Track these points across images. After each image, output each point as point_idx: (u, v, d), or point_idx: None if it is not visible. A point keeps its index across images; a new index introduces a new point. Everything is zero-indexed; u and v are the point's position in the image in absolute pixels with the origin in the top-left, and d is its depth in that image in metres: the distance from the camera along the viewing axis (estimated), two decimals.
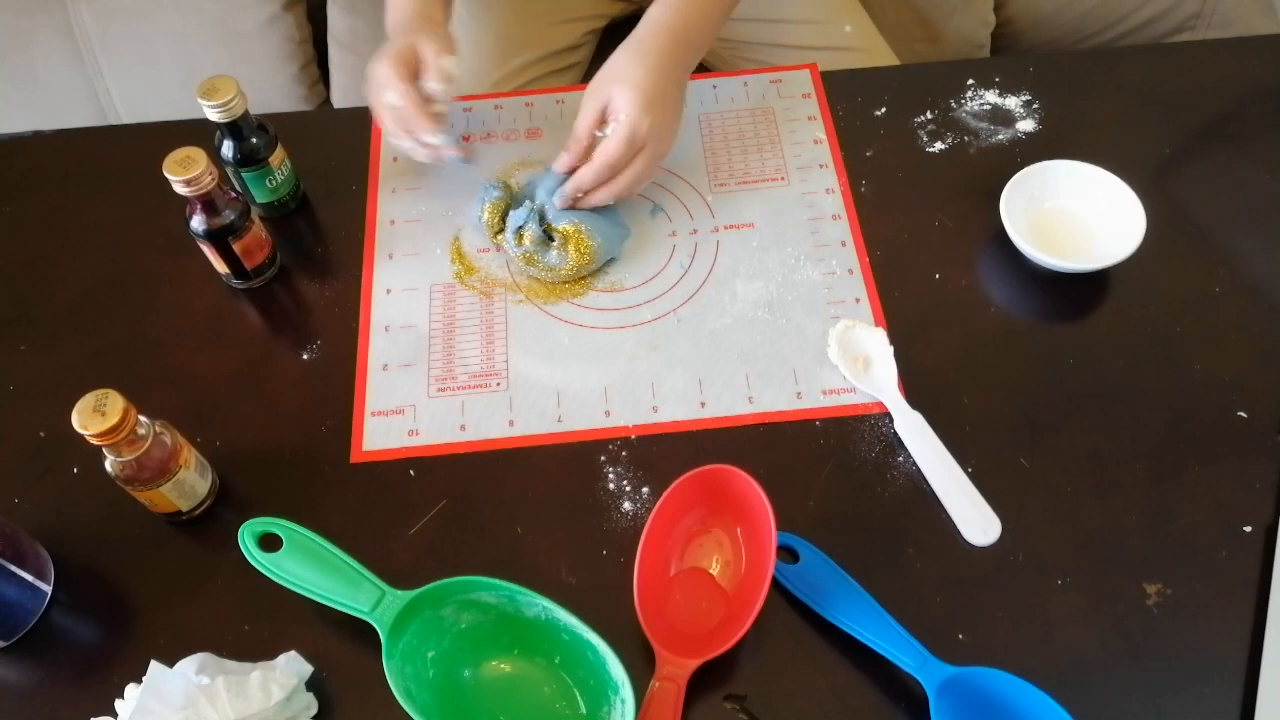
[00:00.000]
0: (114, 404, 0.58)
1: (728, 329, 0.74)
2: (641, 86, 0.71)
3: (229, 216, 0.72)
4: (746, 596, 0.59)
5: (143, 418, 0.60)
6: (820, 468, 0.67)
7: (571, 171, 0.74)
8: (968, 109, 0.85)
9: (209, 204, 0.70)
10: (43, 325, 0.76)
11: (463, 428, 0.70)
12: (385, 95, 0.74)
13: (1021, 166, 0.76)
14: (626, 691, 0.55)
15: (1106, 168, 0.76)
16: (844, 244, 0.77)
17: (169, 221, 0.77)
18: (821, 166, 0.82)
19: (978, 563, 0.63)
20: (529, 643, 0.60)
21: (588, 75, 1.09)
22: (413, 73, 0.74)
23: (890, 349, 0.71)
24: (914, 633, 0.58)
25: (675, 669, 0.58)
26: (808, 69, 0.89)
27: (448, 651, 0.60)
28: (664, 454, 0.68)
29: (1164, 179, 0.80)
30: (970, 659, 0.57)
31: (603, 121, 0.74)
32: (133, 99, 1.18)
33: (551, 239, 0.75)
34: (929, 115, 0.85)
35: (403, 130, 0.75)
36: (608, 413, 0.70)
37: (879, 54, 1.06)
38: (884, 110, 0.85)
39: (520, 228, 0.74)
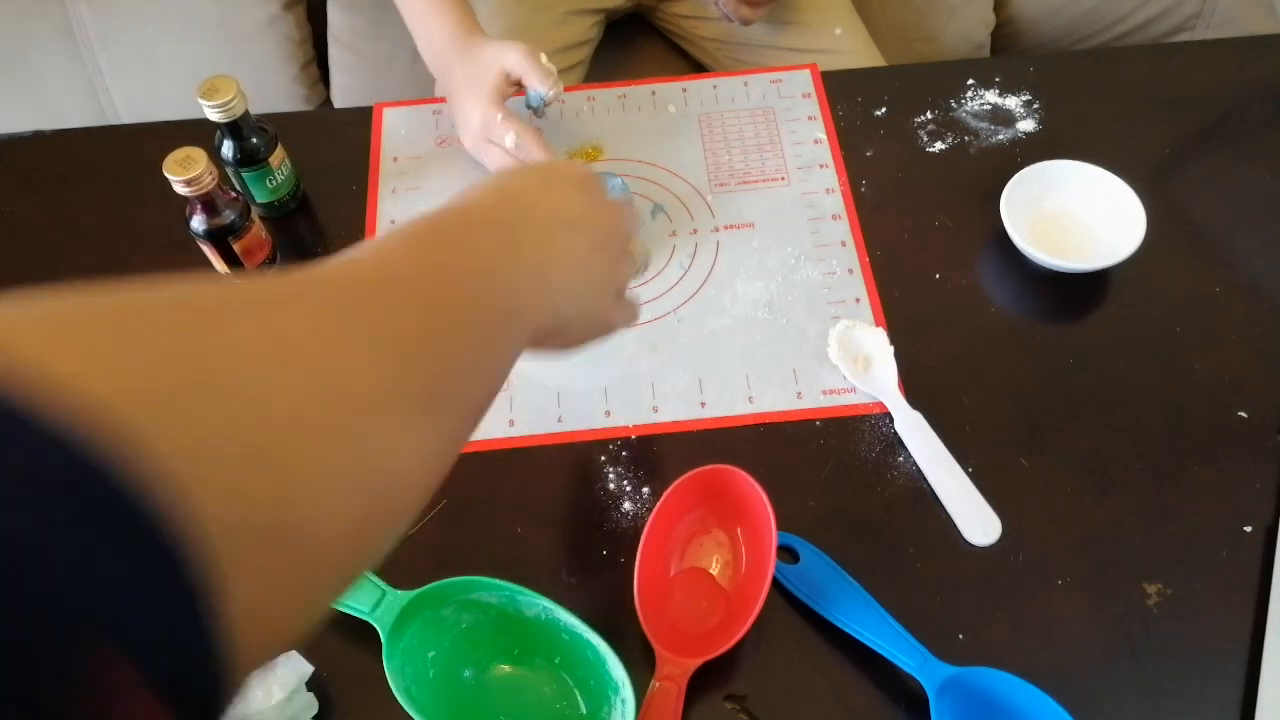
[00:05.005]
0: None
1: (728, 329, 0.74)
2: None
3: (229, 216, 0.72)
4: (746, 596, 0.59)
5: None
6: (820, 468, 0.67)
7: None
8: (968, 109, 0.85)
9: (209, 204, 0.70)
10: None
11: None
12: (505, 139, 0.72)
13: (1021, 166, 0.76)
14: (626, 691, 0.55)
15: (1106, 168, 0.76)
16: (844, 244, 0.77)
17: (169, 221, 0.77)
18: (821, 166, 0.82)
19: (978, 563, 0.63)
20: (529, 643, 0.60)
21: (590, 74, 1.09)
22: (505, 99, 0.74)
23: (890, 349, 0.71)
24: (914, 633, 0.58)
25: (675, 669, 0.58)
26: (808, 69, 0.89)
27: (448, 651, 0.60)
28: (664, 454, 0.68)
29: (1164, 179, 0.80)
30: (970, 659, 0.57)
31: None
32: (133, 99, 1.18)
33: None
34: (929, 115, 0.85)
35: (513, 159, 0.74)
36: (608, 413, 0.70)
37: (867, 56, 1.06)
38: (884, 110, 0.85)
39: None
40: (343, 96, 1.21)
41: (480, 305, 0.36)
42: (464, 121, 0.76)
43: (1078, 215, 0.77)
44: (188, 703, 0.19)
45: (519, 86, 0.77)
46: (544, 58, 0.74)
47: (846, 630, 0.59)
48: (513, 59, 0.74)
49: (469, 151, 0.80)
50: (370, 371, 0.27)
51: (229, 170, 0.77)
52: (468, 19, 0.79)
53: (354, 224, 0.81)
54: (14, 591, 0.17)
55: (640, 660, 0.59)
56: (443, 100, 0.86)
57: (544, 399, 0.71)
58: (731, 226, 0.79)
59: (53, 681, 0.18)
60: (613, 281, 0.48)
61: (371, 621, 0.58)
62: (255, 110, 0.75)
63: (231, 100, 0.72)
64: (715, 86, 0.88)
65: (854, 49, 1.06)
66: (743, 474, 0.60)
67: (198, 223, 0.71)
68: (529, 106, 0.77)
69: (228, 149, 0.75)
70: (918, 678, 0.56)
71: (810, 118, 0.85)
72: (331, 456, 0.25)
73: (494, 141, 0.74)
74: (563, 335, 0.47)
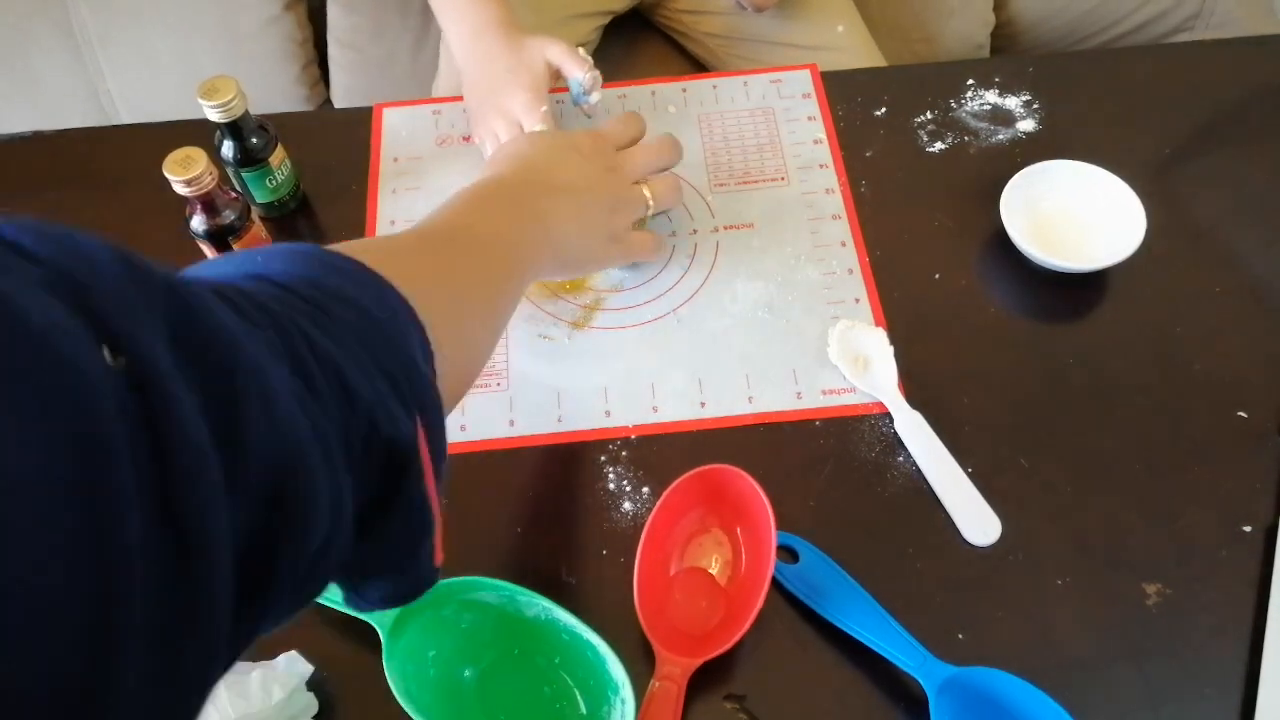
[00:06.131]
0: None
1: (728, 329, 0.74)
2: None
3: (229, 216, 0.72)
4: (746, 596, 0.59)
5: None
6: (820, 468, 0.67)
7: None
8: (968, 109, 0.85)
9: (209, 204, 0.70)
10: None
11: (462, 428, 0.70)
12: (533, 129, 0.75)
13: (1021, 166, 0.76)
14: (626, 691, 0.55)
15: (1106, 168, 0.76)
16: (844, 244, 0.77)
17: (169, 221, 0.77)
18: (821, 166, 0.82)
19: (978, 563, 0.63)
20: (529, 643, 0.60)
21: None
22: (548, 90, 0.78)
23: (890, 349, 0.71)
24: (914, 633, 0.58)
25: (675, 669, 0.58)
26: (808, 69, 0.89)
27: (448, 651, 0.60)
28: (664, 454, 0.68)
29: (1164, 179, 0.80)
30: (970, 659, 0.57)
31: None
32: (133, 99, 1.18)
33: None
34: (929, 115, 0.85)
35: None
36: (608, 413, 0.70)
37: (869, 54, 1.07)
38: (884, 110, 0.85)
39: None
40: (343, 96, 1.21)
41: (495, 255, 0.54)
42: (494, 104, 0.78)
43: (1077, 215, 0.77)
44: (429, 424, 0.37)
45: (556, 81, 0.81)
46: (581, 51, 0.79)
47: (846, 630, 0.59)
48: (554, 51, 0.78)
49: (472, 128, 0.82)
50: (445, 287, 0.49)
51: (229, 170, 0.77)
52: (505, 8, 0.81)
53: (354, 224, 0.81)
54: (400, 354, 0.37)
55: (640, 660, 0.59)
56: (443, 100, 0.86)
57: (544, 399, 0.71)
58: (731, 227, 0.79)
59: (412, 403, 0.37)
60: (606, 229, 0.64)
61: (371, 621, 0.58)
62: (255, 110, 0.75)
63: (231, 100, 0.72)
64: (715, 87, 0.88)
65: (855, 46, 1.06)
66: (742, 474, 0.60)
67: (198, 223, 0.71)
68: (575, 102, 0.80)
69: (228, 149, 0.75)
70: (918, 678, 0.56)
71: (810, 118, 0.85)
72: (464, 314, 0.49)
73: (522, 127, 0.77)
74: (564, 270, 0.66)
